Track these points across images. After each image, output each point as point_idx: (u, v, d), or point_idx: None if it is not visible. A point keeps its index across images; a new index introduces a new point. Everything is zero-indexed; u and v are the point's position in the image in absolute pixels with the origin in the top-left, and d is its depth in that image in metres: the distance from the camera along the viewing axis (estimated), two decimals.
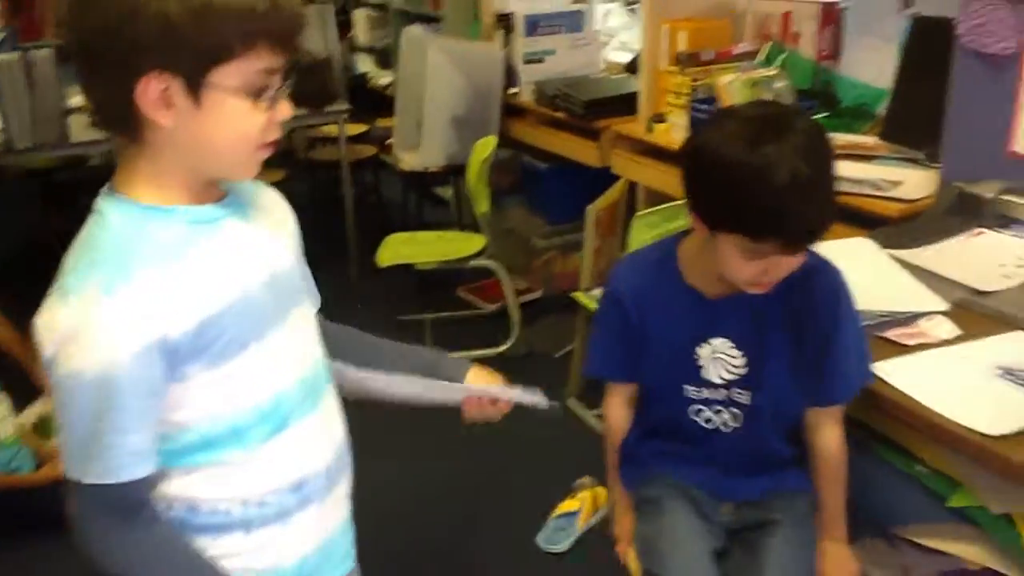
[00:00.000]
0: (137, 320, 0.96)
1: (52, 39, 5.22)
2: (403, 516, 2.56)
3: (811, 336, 1.45)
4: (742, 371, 1.48)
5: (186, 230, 1.02)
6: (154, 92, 0.96)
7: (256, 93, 1.00)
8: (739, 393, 1.49)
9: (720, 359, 1.48)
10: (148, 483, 1.03)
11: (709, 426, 1.52)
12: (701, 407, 1.51)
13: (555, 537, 2.42)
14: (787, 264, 1.34)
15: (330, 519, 1.19)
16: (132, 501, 1.03)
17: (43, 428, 2.54)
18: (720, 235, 1.33)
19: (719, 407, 1.50)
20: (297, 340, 1.13)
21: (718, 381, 1.49)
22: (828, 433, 1.50)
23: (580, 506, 2.48)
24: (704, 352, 1.48)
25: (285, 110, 1.04)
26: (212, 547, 1.09)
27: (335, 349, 1.26)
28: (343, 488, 1.21)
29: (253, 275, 1.07)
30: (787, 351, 1.46)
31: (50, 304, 0.97)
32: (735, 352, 1.47)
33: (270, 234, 1.12)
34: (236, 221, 1.07)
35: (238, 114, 0.99)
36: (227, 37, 0.95)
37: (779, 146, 1.25)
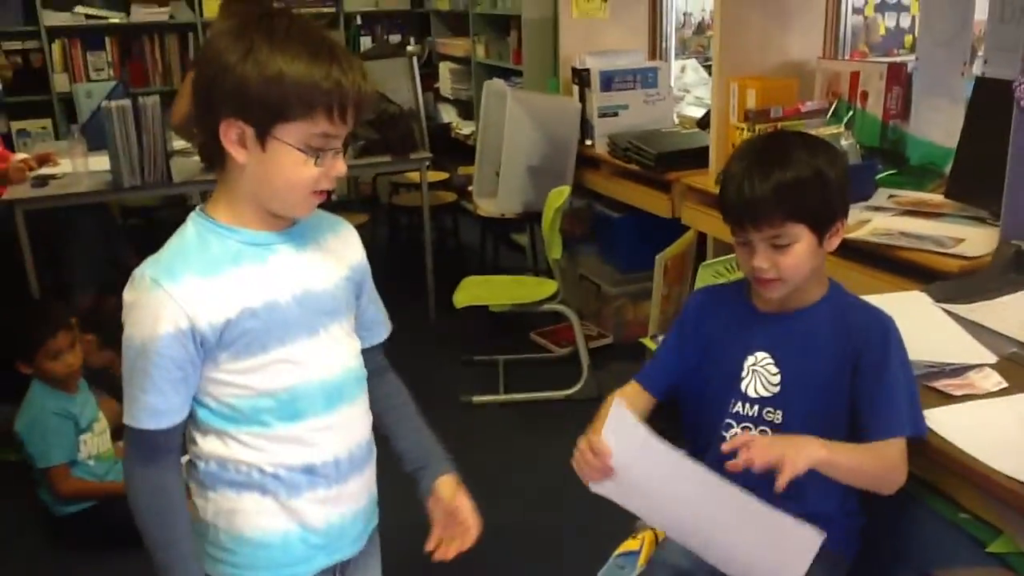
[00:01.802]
0: (174, 310, 1.19)
1: (158, 86, 5.63)
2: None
3: (857, 369, 1.46)
4: (775, 389, 1.52)
5: (239, 247, 1.25)
6: (232, 133, 1.19)
7: (313, 151, 1.20)
8: (770, 412, 1.52)
9: (759, 372, 1.54)
10: (165, 436, 1.25)
11: None
12: (731, 422, 1.55)
13: (614, 574, 2.48)
14: (763, 252, 1.46)
15: (341, 504, 1.35)
16: (149, 445, 1.25)
17: None
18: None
19: (748, 424, 1.54)
20: (324, 350, 1.31)
21: (752, 395, 1.54)
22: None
23: (640, 546, 2.54)
24: (747, 364, 1.55)
25: (340, 168, 1.24)
26: (235, 501, 1.30)
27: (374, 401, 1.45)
28: (359, 482, 1.38)
29: (286, 291, 1.26)
30: (825, 379, 1.49)
31: (128, 283, 1.23)
32: (773, 368, 1.53)
33: (315, 262, 1.31)
34: (286, 247, 1.28)
35: (294, 165, 1.20)
36: (290, 103, 1.16)
37: (745, 159, 1.49)
